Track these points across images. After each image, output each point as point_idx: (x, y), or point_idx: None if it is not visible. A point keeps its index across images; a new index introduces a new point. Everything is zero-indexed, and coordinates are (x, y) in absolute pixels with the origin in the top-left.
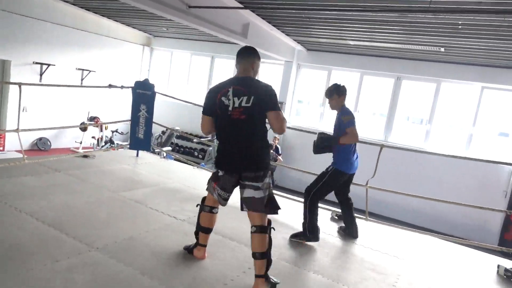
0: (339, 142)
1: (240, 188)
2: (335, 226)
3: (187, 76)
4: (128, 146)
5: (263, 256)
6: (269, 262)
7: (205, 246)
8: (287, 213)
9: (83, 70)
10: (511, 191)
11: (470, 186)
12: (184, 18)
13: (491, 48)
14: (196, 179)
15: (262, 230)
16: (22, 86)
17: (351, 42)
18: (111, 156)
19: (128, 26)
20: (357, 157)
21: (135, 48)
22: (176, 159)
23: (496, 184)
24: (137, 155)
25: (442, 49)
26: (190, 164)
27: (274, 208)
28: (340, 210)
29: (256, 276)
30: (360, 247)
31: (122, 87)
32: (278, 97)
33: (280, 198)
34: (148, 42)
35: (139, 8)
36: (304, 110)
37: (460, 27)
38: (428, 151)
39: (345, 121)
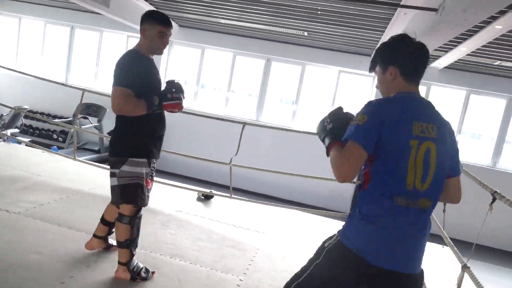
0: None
1: None
2: (201, 207)
3: (41, 47)
4: None
5: (121, 245)
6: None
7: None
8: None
9: None
10: None
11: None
12: None
13: (346, 35)
14: (43, 165)
15: (120, 218)
16: None
17: (222, 21)
18: None
19: None
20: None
21: None
22: (29, 142)
23: None
24: None
25: (306, 33)
26: (37, 148)
27: (130, 199)
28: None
29: (118, 262)
30: (223, 225)
31: None
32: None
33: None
34: None
35: None
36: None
37: (319, 13)
38: (288, 129)
39: None
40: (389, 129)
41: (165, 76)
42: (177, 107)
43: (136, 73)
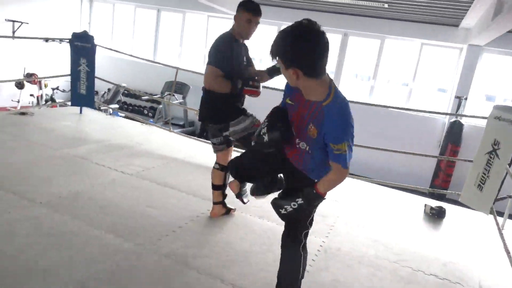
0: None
1: None
2: None
3: (132, 30)
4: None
5: (214, 187)
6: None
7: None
8: None
9: (14, 21)
10: (442, 141)
11: (408, 137)
12: None
13: (431, 4)
14: (143, 135)
15: (216, 166)
16: None
17: None
18: (51, 113)
19: None
20: None
21: None
22: (125, 117)
23: (431, 135)
24: (81, 112)
25: (386, 5)
26: (138, 121)
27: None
28: None
29: (213, 203)
30: None
31: (60, 40)
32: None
33: None
34: None
35: None
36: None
37: None
38: (368, 103)
39: None
40: None
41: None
42: (255, 93)
43: (227, 56)
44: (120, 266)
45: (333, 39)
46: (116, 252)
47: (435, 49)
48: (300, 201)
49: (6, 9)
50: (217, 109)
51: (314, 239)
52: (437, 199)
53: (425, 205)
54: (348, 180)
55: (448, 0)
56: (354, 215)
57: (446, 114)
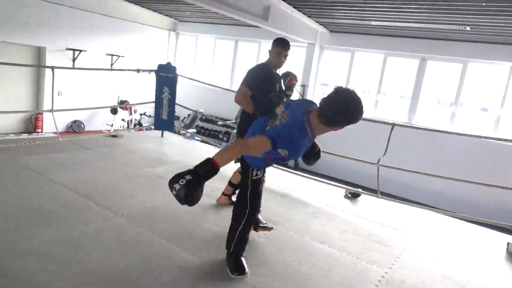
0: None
1: None
2: (348, 203)
3: (212, 60)
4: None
5: (230, 183)
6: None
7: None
8: (313, 193)
9: (112, 55)
10: None
11: (490, 167)
12: (206, 3)
13: None
14: None
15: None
16: (56, 71)
17: (373, 23)
18: (137, 136)
19: (154, 11)
20: None
21: (162, 33)
22: (200, 140)
23: None
24: (162, 135)
25: (468, 28)
26: (211, 144)
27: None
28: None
29: (222, 193)
30: (370, 222)
31: (149, 71)
32: (300, 81)
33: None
34: (174, 27)
35: None
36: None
37: (484, 4)
38: (444, 131)
39: None
40: None
41: (315, 79)
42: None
43: (257, 80)
44: (183, 278)
45: (410, 64)
46: (182, 264)
47: None
48: (188, 177)
49: (107, 45)
50: (241, 123)
51: (376, 269)
52: None
53: (508, 243)
54: (418, 211)
55: None
56: (424, 248)
57: None
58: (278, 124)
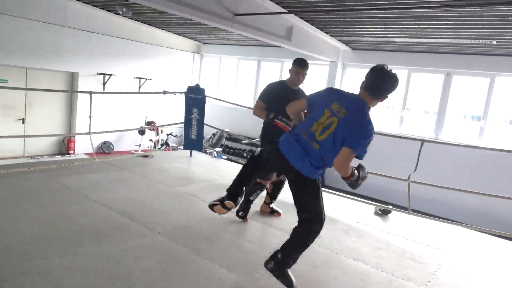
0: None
1: None
2: (378, 220)
3: (235, 80)
4: (182, 147)
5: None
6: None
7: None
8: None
9: (140, 78)
10: None
11: None
12: (230, 26)
13: None
14: None
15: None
16: (87, 95)
17: (397, 40)
18: (167, 156)
19: (180, 35)
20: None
21: (186, 55)
22: (226, 159)
23: None
24: (191, 154)
25: (494, 42)
26: (238, 163)
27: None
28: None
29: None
30: (402, 239)
31: (175, 93)
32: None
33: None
34: (198, 50)
35: (189, 18)
36: None
37: (510, 18)
38: (474, 146)
39: None
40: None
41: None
42: (282, 127)
43: (271, 93)
44: None
45: (435, 79)
46: (223, 281)
47: None
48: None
49: (135, 68)
50: (262, 132)
51: (412, 286)
52: None
53: None
54: (451, 227)
55: None
56: (460, 265)
57: None
58: (339, 122)
